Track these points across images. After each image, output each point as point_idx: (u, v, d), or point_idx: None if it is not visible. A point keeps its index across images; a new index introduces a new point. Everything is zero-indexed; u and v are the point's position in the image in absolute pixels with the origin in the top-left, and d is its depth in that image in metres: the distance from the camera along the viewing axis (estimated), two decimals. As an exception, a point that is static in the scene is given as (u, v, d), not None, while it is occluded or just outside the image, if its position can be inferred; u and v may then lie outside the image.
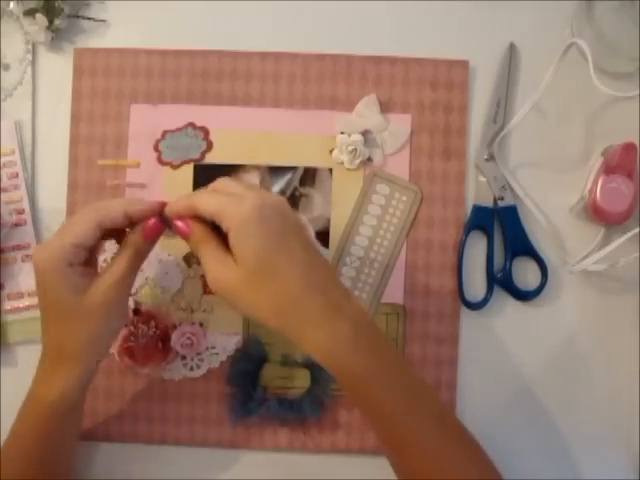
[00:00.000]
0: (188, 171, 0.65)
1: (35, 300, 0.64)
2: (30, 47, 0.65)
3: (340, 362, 0.50)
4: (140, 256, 0.55)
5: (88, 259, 0.54)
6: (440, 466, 0.51)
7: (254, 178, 0.65)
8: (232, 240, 0.49)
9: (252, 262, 0.49)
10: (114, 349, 0.64)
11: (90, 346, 0.54)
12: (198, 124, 0.65)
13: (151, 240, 0.54)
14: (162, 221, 0.54)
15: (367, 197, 0.65)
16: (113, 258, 0.54)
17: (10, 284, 0.65)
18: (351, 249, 0.65)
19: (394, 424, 0.51)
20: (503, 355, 0.65)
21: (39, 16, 0.63)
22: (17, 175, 0.65)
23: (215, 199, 0.50)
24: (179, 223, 0.52)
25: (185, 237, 0.52)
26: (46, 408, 0.55)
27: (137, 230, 0.54)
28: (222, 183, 0.53)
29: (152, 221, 0.54)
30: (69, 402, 0.55)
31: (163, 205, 0.54)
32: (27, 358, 0.60)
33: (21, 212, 0.65)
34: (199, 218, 0.51)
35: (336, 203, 0.65)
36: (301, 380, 0.64)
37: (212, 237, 0.51)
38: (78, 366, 0.55)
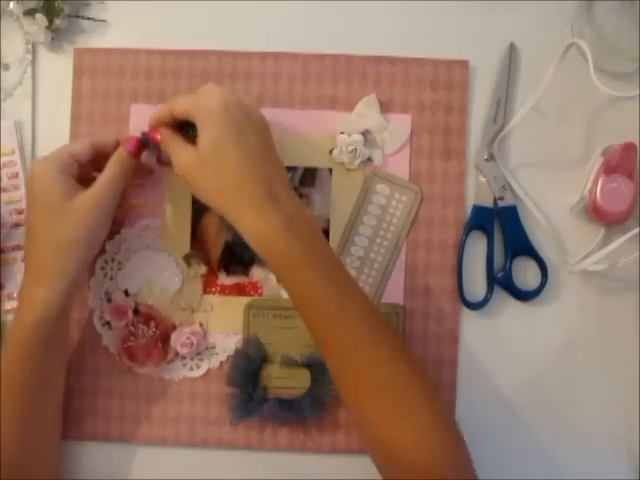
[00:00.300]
0: (188, 171, 0.65)
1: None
2: (30, 47, 0.65)
3: (273, 250, 0.54)
4: (125, 170, 0.60)
5: (80, 179, 0.59)
6: (368, 365, 0.53)
7: (254, 178, 0.65)
8: (198, 131, 0.55)
9: (208, 147, 0.55)
10: (114, 349, 0.64)
11: (72, 251, 0.57)
12: (198, 124, 0.65)
13: (133, 152, 0.60)
14: (142, 140, 0.60)
15: (367, 197, 0.65)
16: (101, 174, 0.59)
17: (10, 284, 0.65)
18: (351, 249, 0.65)
19: (325, 320, 0.54)
20: (503, 355, 0.65)
21: (39, 16, 0.63)
22: (17, 175, 0.65)
23: (188, 99, 0.57)
24: (152, 132, 0.59)
25: (158, 142, 0.59)
26: (29, 331, 0.56)
27: (121, 146, 0.60)
28: (201, 88, 0.58)
29: (134, 136, 0.60)
30: (50, 321, 0.56)
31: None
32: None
33: (21, 212, 0.65)
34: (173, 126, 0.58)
35: (336, 203, 0.65)
36: (301, 380, 0.64)
37: (180, 136, 0.58)
38: (59, 280, 0.56)
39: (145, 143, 0.60)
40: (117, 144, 0.60)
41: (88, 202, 0.57)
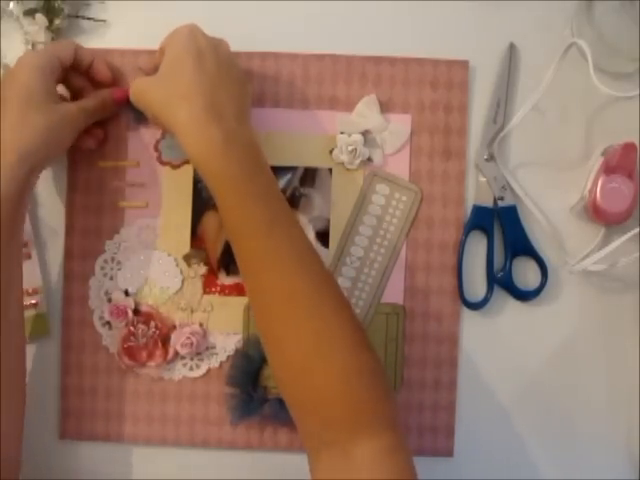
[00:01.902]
0: (188, 171, 0.65)
1: (35, 299, 0.64)
2: (30, 47, 0.65)
3: (209, 165, 0.54)
4: (103, 109, 0.63)
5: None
6: (291, 293, 0.53)
7: (254, 178, 0.65)
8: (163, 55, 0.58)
9: (164, 66, 0.57)
10: (114, 349, 0.64)
11: (37, 140, 0.57)
12: (198, 124, 0.65)
13: (118, 100, 0.63)
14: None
15: (367, 197, 0.65)
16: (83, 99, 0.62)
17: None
18: (351, 249, 0.65)
19: (256, 239, 0.53)
20: (503, 355, 0.65)
21: (39, 16, 0.63)
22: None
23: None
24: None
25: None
26: None
27: (109, 90, 0.63)
28: None
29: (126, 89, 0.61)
30: (8, 202, 0.55)
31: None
32: (28, 356, 0.60)
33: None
34: None
35: (336, 203, 0.65)
36: (301, 380, 0.64)
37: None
38: (25, 163, 0.56)
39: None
40: (91, 62, 0.62)
41: (64, 110, 0.59)
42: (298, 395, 0.52)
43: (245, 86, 0.60)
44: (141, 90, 0.58)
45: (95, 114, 0.62)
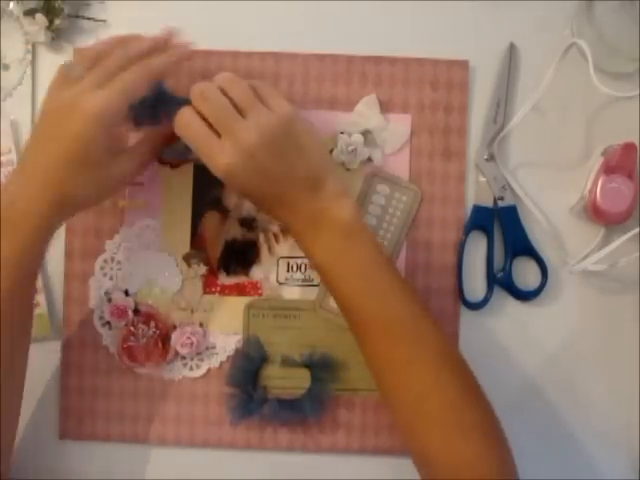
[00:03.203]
0: (188, 171, 0.65)
1: (35, 299, 0.64)
2: (30, 47, 0.65)
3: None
4: (159, 146, 0.60)
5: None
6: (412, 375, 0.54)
7: (254, 178, 0.65)
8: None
9: (262, 153, 0.54)
10: (114, 349, 0.64)
11: (83, 198, 0.55)
12: (198, 124, 0.65)
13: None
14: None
15: (367, 197, 0.65)
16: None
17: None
18: (351, 249, 0.65)
19: (388, 342, 0.54)
20: (503, 355, 0.65)
21: (39, 16, 0.63)
22: (17, 175, 0.65)
23: (201, 132, 0.54)
24: None
25: None
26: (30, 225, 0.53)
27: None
28: (219, 104, 0.54)
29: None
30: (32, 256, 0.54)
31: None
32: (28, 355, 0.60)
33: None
34: None
35: (336, 203, 0.65)
36: (301, 380, 0.64)
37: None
38: (57, 214, 0.54)
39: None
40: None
41: (119, 171, 0.56)
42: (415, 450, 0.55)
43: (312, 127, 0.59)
44: (239, 176, 0.54)
45: (154, 152, 0.59)
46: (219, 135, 0.54)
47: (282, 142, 0.54)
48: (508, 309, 0.65)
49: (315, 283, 0.65)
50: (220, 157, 0.53)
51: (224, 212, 0.65)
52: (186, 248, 0.65)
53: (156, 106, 0.57)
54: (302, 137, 0.56)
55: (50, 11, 0.64)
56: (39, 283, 0.64)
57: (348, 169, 0.65)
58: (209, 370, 0.65)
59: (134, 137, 0.62)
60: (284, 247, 0.65)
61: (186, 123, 0.54)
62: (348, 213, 0.56)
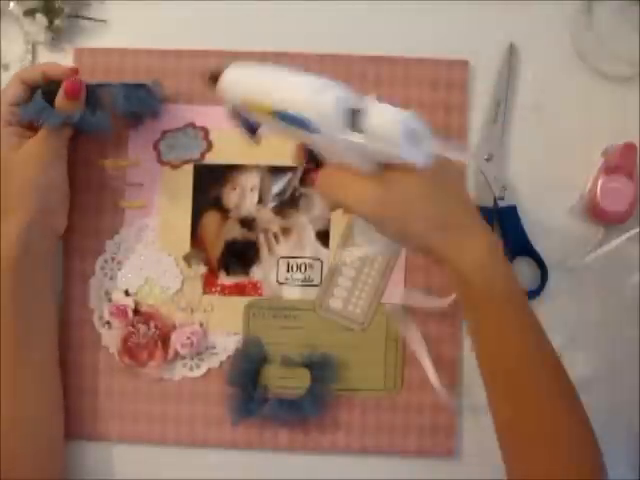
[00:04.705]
0: (188, 171, 0.65)
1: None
2: (30, 47, 0.65)
3: (490, 274, 0.50)
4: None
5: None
6: (542, 415, 0.51)
7: (254, 178, 0.65)
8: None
9: (418, 187, 0.49)
10: (114, 349, 0.64)
11: (29, 194, 0.58)
12: (198, 124, 0.65)
13: (72, 97, 0.58)
14: (80, 82, 0.58)
15: (367, 197, 0.65)
16: None
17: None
18: (351, 249, 0.65)
19: (511, 361, 0.51)
20: (503, 355, 0.65)
21: (39, 16, 0.63)
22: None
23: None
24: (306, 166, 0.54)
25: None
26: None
27: (60, 91, 0.58)
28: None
29: (71, 79, 0.58)
30: (20, 251, 0.57)
31: (76, 70, 0.60)
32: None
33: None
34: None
35: (336, 203, 0.65)
36: (301, 380, 0.64)
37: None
38: (22, 215, 0.57)
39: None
40: (43, 74, 0.59)
41: (35, 151, 0.58)
42: None
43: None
44: (376, 212, 0.50)
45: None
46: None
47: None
48: (508, 309, 0.65)
49: (315, 283, 0.65)
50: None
51: (224, 212, 0.65)
52: (186, 248, 0.65)
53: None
54: None
55: (50, 11, 0.64)
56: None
57: (348, 169, 0.65)
58: (209, 370, 0.65)
59: (133, 135, 0.62)
60: (284, 247, 0.65)
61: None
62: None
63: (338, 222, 0.65)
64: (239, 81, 0.52)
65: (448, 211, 0.50)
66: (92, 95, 0.60)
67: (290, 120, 0.49)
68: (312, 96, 0.48)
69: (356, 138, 0.47)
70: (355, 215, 0.52)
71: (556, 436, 0.51)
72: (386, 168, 0.49)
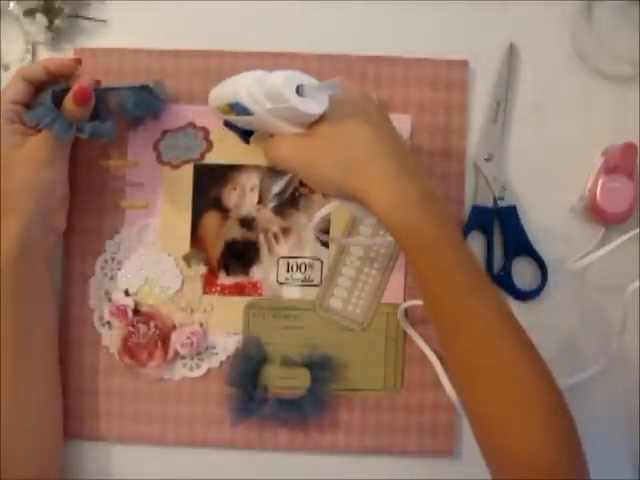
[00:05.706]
0: (188, 171, 0.65)
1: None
2: (30, 47, 0.65)
3: (406, 222, 0.52)
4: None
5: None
6: (490, 353, 0.52)
7: (254, 178, 0.65)
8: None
9: (327, 128, 0.54)
10: (114, 349, 0.64)
11: (30, 193, 0.57)
12: (198, 124, 0.65)
13: (81, 103, 0.57)
14: (90, 88, 0.58)
15: (367, 197, 0.65)
16: None
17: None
18: (351, 249, 0.65)
19: (456, 302, 0.52)
20: (503, 355, 0.65)
21: (39, 16, 0.63)
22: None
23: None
24: None
25: None
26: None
27: (69, 96, 0.57)
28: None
29: (81, 84, 0.57)
30: (20, 251, 0.57)
31: (79, 62, 0.60)
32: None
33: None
34: None
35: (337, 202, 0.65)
36: (301, 380, 0.64)
37: None
38: (22, 215, 0.57)
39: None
40: (46, 70, 0.59)
41: (36, 150, 0.58)
42: (486, 441, 0.53)
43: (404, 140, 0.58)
44: (291, 153, 0.56)
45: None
46: None
47: None
48: (508, 309, 0.65)
49: (315, 283, 0.65)
50: None
51: (224, 212, 0.65)
52: (186, 248, 0.65)
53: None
54: None
55: (50, 11, 0.64)
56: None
57: (348, 169, 0.65)
58: (209, 370, 0.65)
59: (133, 135, 0.62)
60: (284, 247, 0.65)
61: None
62: None
63: (338, 222, 0.65)
64: (214, 94, 0.60)
65: (355, 153, 0.53)
66: (100, 100, 0.59)
67: (238, 110, 0.56)
68: (248, 84, 0.55)
69: (267, 105, 0.54)
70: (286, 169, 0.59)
71: (505, 370, 0.51)
72: (309, 126, 0.54)
